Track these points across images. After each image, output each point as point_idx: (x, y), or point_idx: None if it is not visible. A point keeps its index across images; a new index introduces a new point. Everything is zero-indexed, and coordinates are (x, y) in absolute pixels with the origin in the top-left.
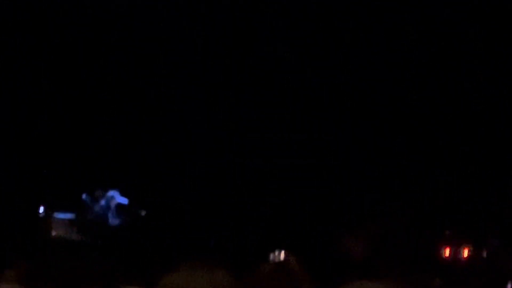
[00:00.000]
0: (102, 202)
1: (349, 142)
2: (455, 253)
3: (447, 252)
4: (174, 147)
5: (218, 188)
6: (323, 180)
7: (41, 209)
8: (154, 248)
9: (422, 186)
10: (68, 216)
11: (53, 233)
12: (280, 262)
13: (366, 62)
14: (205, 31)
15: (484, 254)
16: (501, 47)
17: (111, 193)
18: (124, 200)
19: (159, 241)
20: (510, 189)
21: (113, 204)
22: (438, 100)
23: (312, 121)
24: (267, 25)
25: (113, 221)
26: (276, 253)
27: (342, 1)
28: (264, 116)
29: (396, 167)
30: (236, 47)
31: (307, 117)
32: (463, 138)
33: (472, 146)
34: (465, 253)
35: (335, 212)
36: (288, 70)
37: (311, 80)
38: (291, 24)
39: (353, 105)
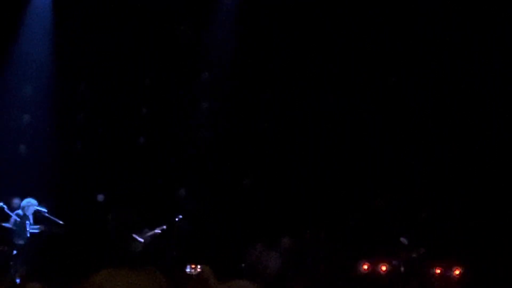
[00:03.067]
0: (20, 210)
1: (263, 158)
2: (374, 268)
3: (365, 267)
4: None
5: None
6: (243, 196)
7: None
8: (72, 254)
9: (344, 206)
10: None
11: None
12: (196, 274)
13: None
14: None
15: (402, 269)
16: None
17: (30, 201)
18: (42, 208)
19: (77, 248)
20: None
21: (31, 211)
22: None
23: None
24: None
25: (32, 228)
26: (193, 265)
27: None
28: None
29: (319, 186)
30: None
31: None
32: (382, 164)
33: (388, 173)
34: (383, 268)
35: (254, 226)
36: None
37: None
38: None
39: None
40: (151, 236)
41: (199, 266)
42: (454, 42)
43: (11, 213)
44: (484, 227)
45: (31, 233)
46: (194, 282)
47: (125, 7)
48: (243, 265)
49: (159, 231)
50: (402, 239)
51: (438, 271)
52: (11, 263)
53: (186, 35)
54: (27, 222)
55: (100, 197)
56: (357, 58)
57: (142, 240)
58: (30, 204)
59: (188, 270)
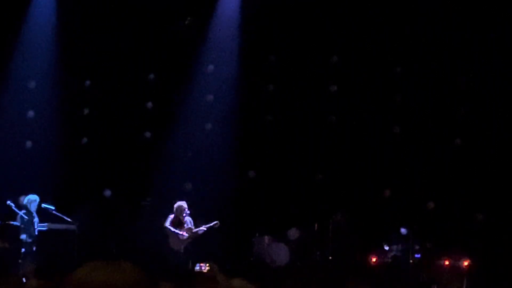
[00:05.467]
0: (27, 207)
1: (277, 152)
2: (381, 260)
3: (374, 259)
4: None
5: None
6: (249, 188)
7: None
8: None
9: (352, 197)
10: None
11: None
12: (203, 272)
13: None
14: None
15: (409, 262)
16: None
17: (30, 197)
18: (50, 206)
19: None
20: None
21: (34, 207)
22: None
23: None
24: None
25: (40, 226)
26: (201, 264)
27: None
28: None
29: (326, 178)
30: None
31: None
32: (390, 155)
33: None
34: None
35: (262, 219)
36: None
37: None
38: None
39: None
40: (195, 232)
41: (207, 264)
42: (459, 40)
43: (18, 211)
44: (493, 218)
45: (39, 230)
46: (203, 280)
47: (129, 2)
48: (251, 258)
49: (205, 229)
50: (402, 230)
51: (446, 262)
52: (19, 261)
53: (190, 28)
54: (35, 220)
55: (107, 193)
56: (360, 54)
57: (185, 235)
58: (32, 200)
59: (197, 268)
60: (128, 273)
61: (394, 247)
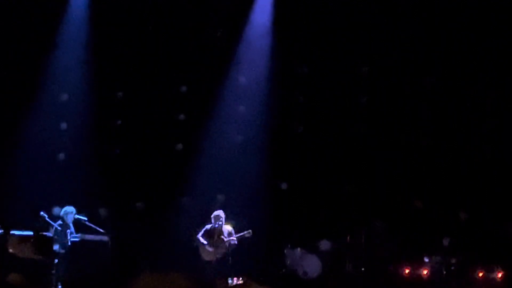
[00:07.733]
0: (63, 218)
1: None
2: (415, 272)
3: (407, 271)
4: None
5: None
6: (282, 200)
7: None
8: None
9: (384, 209)
10: (26, 233)
11: (10, 250)
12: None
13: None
14: None
15: (443, 273)
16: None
17: (68, 209)
18: (82, 217)
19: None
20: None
21: (70, 219)
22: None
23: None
24: None
25: (73, 237)
26: (235, 278)
27: None
28: None
29: (358, 189)
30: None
31: None
32: (422, 165)
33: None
34: (425, 272)
35: (294, 230)
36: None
37: None
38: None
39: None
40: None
41: (240, 278)
42: (491, 51)
43: (52, 222)
44: None
45: (72, 241)
46: None
47: (160, 15)
48: (284, 270)
49: (235, 238)
50: (444, 240)
51: (480, 274)
52: (53, 271)
53: (222, 40)
54: (68, 230)
55: (139, 205)
56: (391, 64)
57: (211, 249)
58: (69, 212)
59: (230, 281)
60: (180, 284)
61: (435, 258)
